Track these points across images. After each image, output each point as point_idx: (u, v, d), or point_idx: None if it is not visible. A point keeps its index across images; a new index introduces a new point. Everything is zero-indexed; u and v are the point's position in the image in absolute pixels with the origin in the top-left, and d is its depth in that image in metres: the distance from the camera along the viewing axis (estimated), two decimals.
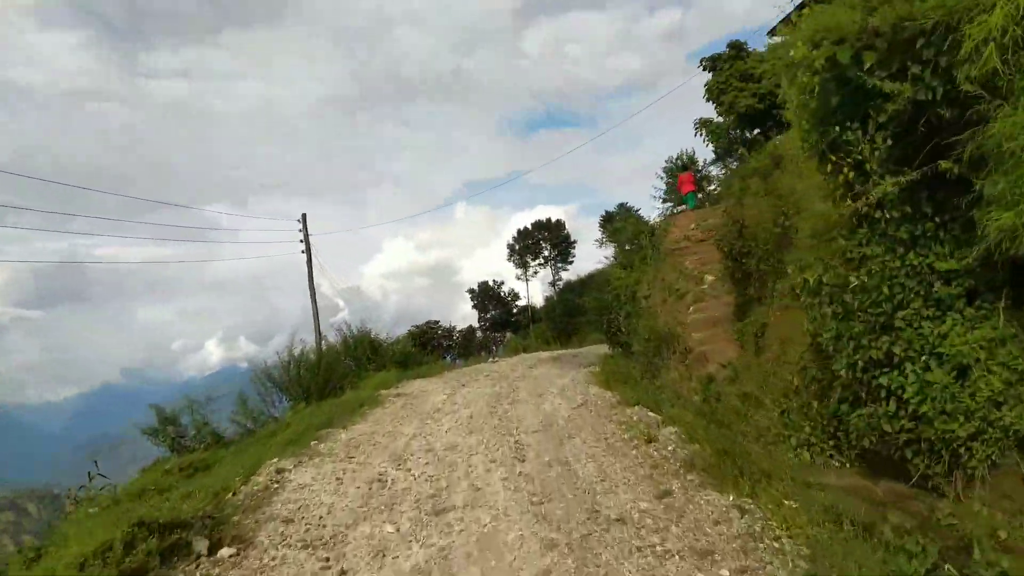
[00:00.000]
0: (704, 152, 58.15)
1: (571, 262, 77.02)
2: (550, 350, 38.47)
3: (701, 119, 40.82)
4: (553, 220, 77.13)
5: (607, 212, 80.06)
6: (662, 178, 46.72)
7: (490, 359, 34.43)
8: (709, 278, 17.09)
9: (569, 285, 79.34)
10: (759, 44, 32.34)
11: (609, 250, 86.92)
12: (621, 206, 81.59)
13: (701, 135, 37.13)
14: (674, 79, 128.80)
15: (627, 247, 26.08)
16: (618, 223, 38.48)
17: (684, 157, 42.90)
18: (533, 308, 77.00)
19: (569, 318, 71.59)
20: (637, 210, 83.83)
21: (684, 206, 28.84)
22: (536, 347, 35.73)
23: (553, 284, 76.80)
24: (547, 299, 77.76)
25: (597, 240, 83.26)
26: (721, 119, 33.25)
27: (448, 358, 43.19)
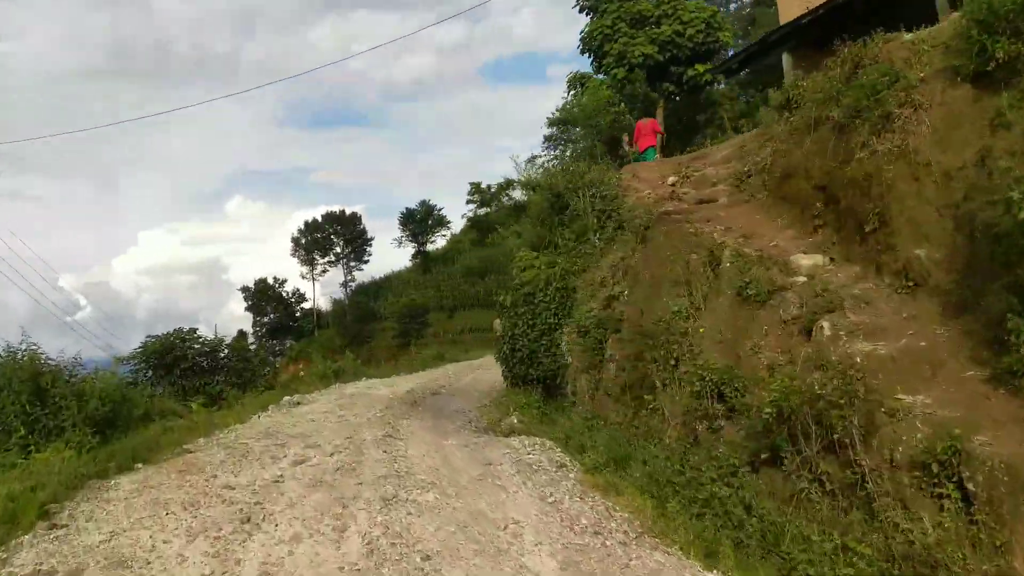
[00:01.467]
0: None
1: (367, 261, 70.92)
2: (384, 375, 27.21)
3: (574, 74, 37.53)
4: (348, 212, 70.25)
5: (408, 209, 75.69)
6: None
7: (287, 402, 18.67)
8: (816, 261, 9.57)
9: (363, 287, 73.43)
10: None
11: (409, 250, 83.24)
12: (423, 203, 77.76)
13: (572, 93, 34.22)
14: (466, 88, 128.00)
15: (549, 215, 16.95)
16: (524, 177, 27.32)
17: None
18: (319, 311, 69.94)
19: (362, 324, 65.89)
20: (439, 209, 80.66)
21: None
22: (355, 369, 28.62)
23: (345, 285, 70.40)
24: (336, 302, 71.16)
25: (396, 240, 78.35)
26: (602, 75, 30.26)
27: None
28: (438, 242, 79.75)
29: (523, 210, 78.72)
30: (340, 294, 71.73)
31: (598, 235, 14.84)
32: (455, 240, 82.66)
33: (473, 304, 68.80)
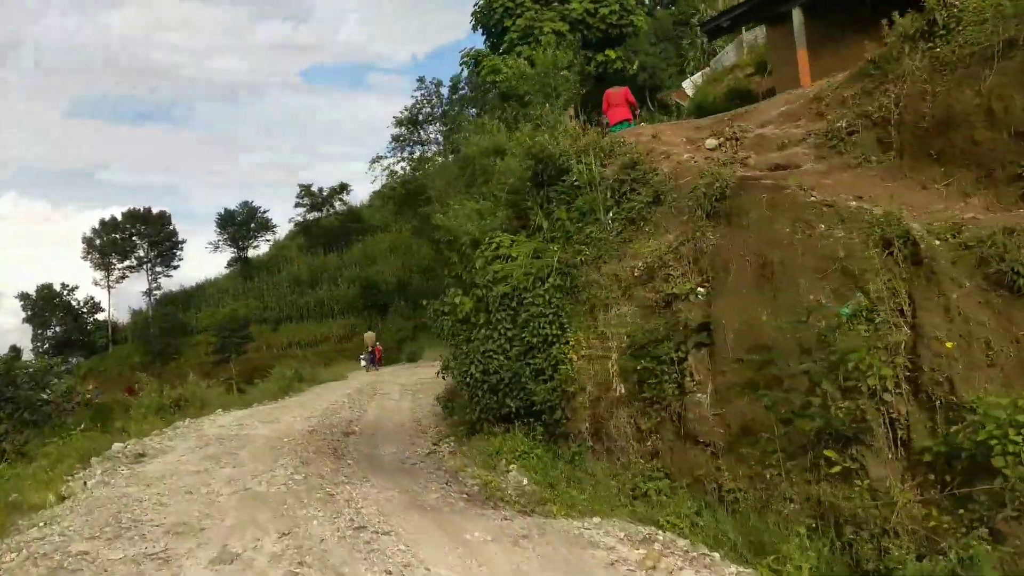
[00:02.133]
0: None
1: (176, 267, 61.78)
2: (243, 405, 19.19)
3: (468, 51, 33.72)
4: (155, 211, 60.76)
5: (227, 210, 67.41)
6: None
7: (122, 455, 12.66)
8: None
9: (171, 297, 63.94)
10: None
11: (226, 256, 73.95)
12: (245, 204, 69.63)
13: (467, 70, 30.83)
14: (287, 91, 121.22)
15: (529, 189, 12.63)
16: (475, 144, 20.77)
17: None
18: (115, 324, 59.64)
19: (169, 338, 56.87)
20: (263, 212, 72.47)
21: None
22: (201, 397, 18.30)
23: (149, 294, 60.77)
24: (136, 313, 61.25)
25: (211, 243, 69.28)
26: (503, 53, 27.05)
27: None
28: (261, 248, 72.06)
29: (358, 218, 73.83)
30: (143, 304, 61.79)
31: (612, 213, 10.96)
32: (280, 246, 75.22)
33: (302, 316, 62.46)
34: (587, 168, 11.51)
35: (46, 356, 54.73)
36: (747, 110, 11.95)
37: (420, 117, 43.27)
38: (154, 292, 61.45)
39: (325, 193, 71.20)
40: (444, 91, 43.56)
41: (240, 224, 65.27)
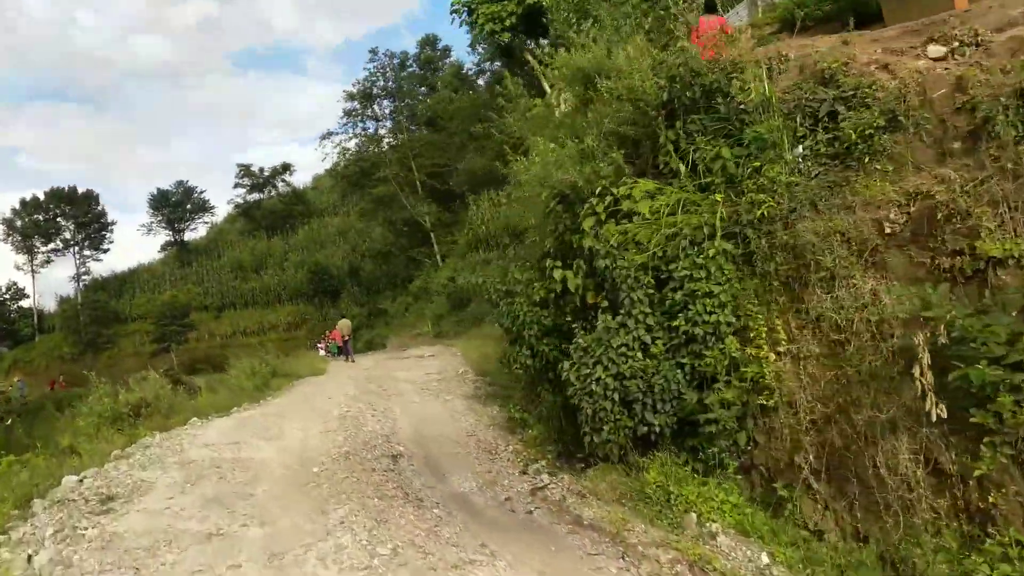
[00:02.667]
0: None
1: (106, 250, 57.74)
2: (220, 408, 14.78)
3: None
4: (80, 190, 56.46)
5: (161, 190, 63.36)
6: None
7: (74, 500, 8.44)
8: None
9: (102, 283, 59.77)
10: None
11: (161, 239, 69.40)
12: (180, 184, 65.69)
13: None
14: (213, 76, 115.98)
15: (652, 120, 9.36)
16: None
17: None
18: (41, 311, 55.41)
19: (100, 327, 53.07)
20: (200, 192, 68.28)
21: None
22: (167, 402, 15.79)
23: (77, 279, 56.56)
24: (64, 300, 57.07)
25: (144, 226, 65.04)
26: None
27: None
28: (199, 231, 68.27)
29: (303, 200, 70.59)
30: (71, 290, 57.57)
31: (803, 148, 7.84)
32: (219, 230, 71.46)
33: (246, 303, 59.41)
34: (758, 84, 8.18)
35: None
36: (928, 22, 8.67)
37: (374, 91, 41.12)
38: (83, 277, 57.31)
39: (267, 173, 67.87)
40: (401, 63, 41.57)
41: (175, 205, 61.59)
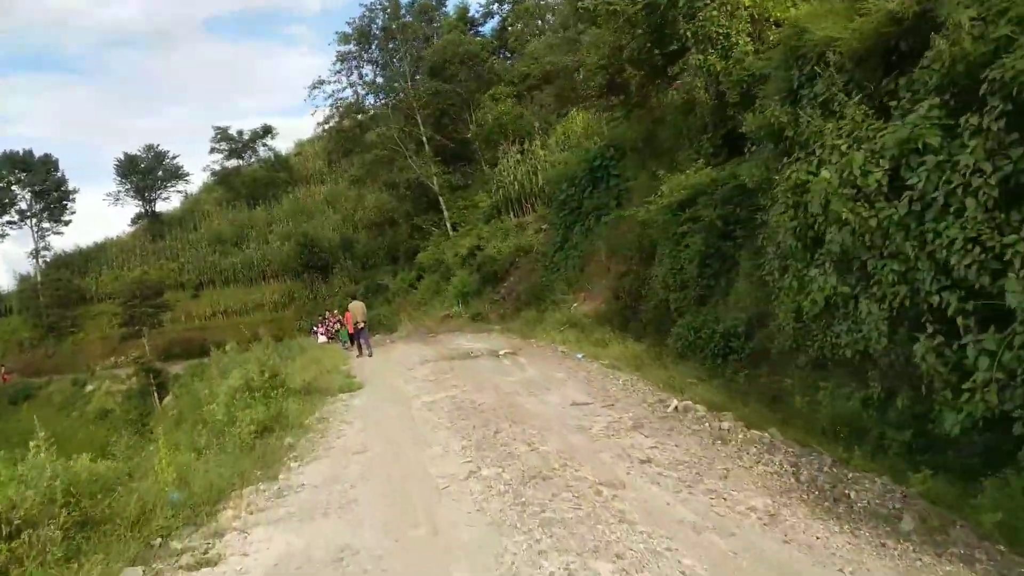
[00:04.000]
0: None
1: (68, 222, 51.52)
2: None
3: None
4: (38, 154, 50.00)
5: (128, 155, 56.82)
6: None
7: None
8: None
9: (64, 259, 53.57)
10: None
11: (131, 211, 61.88)
12: (150, 148, 59.15)
13: None
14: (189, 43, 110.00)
15: None
16: None
17: None
18: None
19: (64, 308, 47.16)
20: (173, 158, 61.19)
21: None
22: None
23: (36, 255, 50.40)
24: (24, 279, 51.00)
25: (110, 195, 58.35)
26: None
27: None
28: (172, 201, 62.12)
29: (287, 167, 64.42)
30: (30, 267, 51.36)
31: None
32: (195, 200, 65.25)
33: (227, 280, 53.63)
34: None
35: None
36: None
37: (372, 29, 35.21)
38: (42, 253, 51.09)
39: (246, 137, 61.73)
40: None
41: (145, 172, 55.32)
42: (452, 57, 36.42)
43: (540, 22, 39.22)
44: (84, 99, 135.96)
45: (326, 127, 36.79)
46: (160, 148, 57.33)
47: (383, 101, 36.88)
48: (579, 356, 11.60)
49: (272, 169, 62.36)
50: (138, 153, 56.21)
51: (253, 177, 61.67)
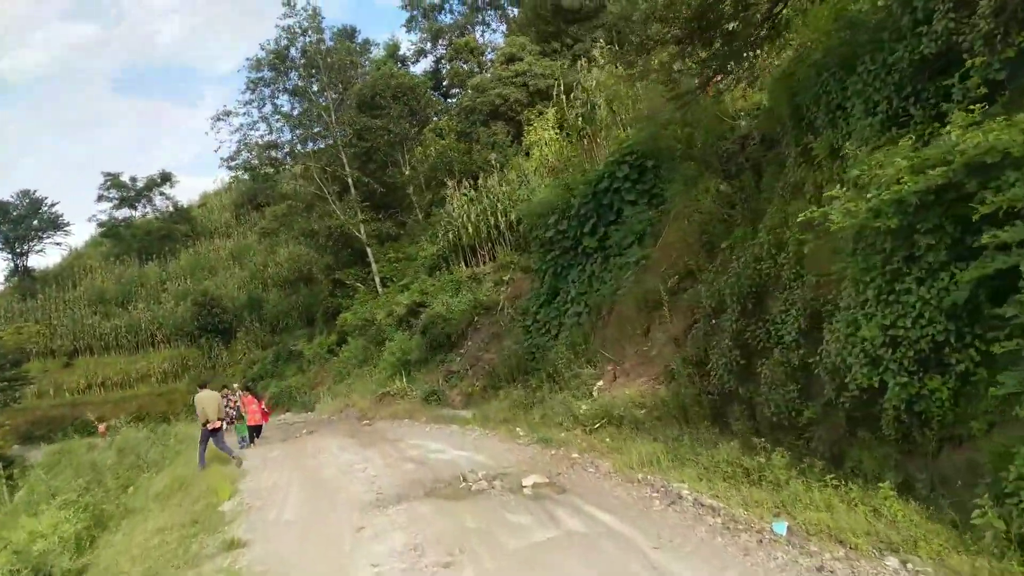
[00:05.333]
0: None
1: None
2: None
3: None
4: None
5: None
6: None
7: None
8: None
9: None
10: None
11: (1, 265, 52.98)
12: (25, 193, 50.63)
13: None
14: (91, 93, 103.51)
15: None
16: None
17: None
18: None
19: None
20: (52, 205, 52.88)
21: None
22: None
23: None
24: None
25: None
26: None
27: None
28: (50, 256, 54.09)
29: (188, 219, 57.42)
30: None
31: None
32: (77, 255, 57.02)
33: (107, 346, 45.82)
34: None
35: None
36: None
37: (291, 52, 30.21)
38: None
39: (140, 184, 54.67)
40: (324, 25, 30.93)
41: (17, 221, 47.45)
42: (384, 90, 31.88)
43: (482, 57, 35.47)
44: None
45: (231, 164, 31.11)
46: (37, 194, 49.57)
47: (300, 136, 31.64)
48: (780, 528, 5.37)
49: (170, 220, 55.35)
50: (10, 199, 48.33)
51: (147, 229, 54.50)
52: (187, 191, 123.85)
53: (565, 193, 13.44)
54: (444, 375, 16.07)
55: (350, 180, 30.97)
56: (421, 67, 41.22)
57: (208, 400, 12.81)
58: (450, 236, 21.58)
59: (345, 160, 31.01)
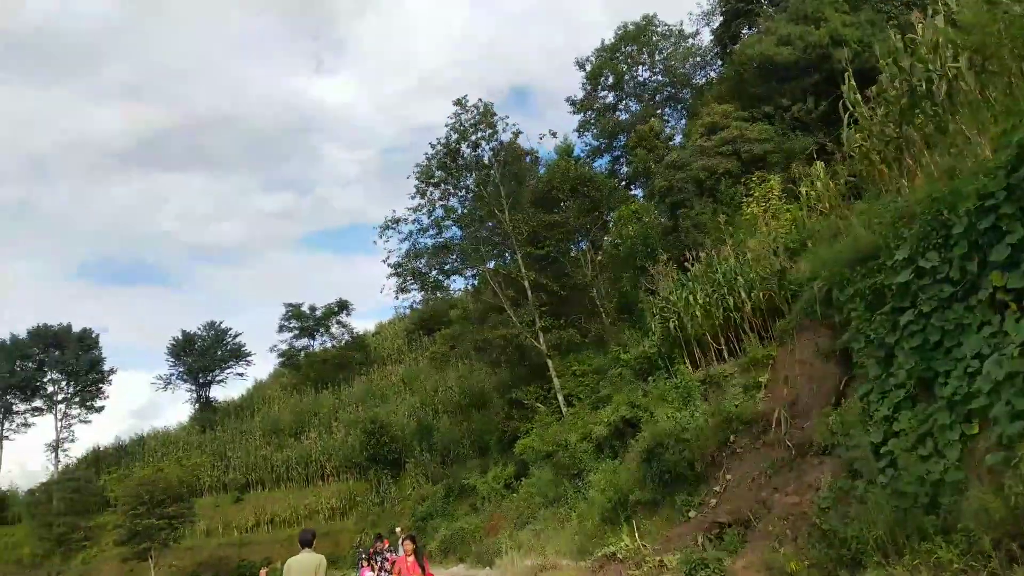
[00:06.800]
0: None
1: (100, 408, 43.61)
2: None
3: None
4: (65, 325, 43.50)
5: (184, 333, 49.73)
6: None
7: None
8: None
9: (96, 455, 45.14)
10: None
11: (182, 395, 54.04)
12: (211, 325, 52.53)
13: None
14: (282, 254, 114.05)
15: None
16: None
17: None
18: (5, 493, 40.99)
19: (77, 517, 37.92)
20: (235, 336, 54.04)
21: None
22: None
23: (56, 449, 42.15)
24: (48, 483, 42.24)
25: (160, 378, 50.26)
26: None
27: None
28: (231, 386, 54.72)
29: (363, 347, 56.40)
30: (51, 464, 42.99)
31: None
32: (259, 387, 57.46)
33: (278, 479, 43.72)
34: None
35: None
36: None
37: (462, 149, 27.54)
38: (64, 444, 42.76)
39: (319, 313, 54.72)
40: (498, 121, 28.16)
41: (201, 352, 48.05)
42: (561, 183, 28.27)
43: (671, 143, 31.26)
44: (176, 309, 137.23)
45: (399, 271, 28.27)
46: (222, 325, 50.57)
47: (470, 235, 28.40)
48: None
49: (345, 348, 54.55)
50: (197, 331, 49.50)
51: (323, 358, 53.88)
52: (363, 321, 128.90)
53: (928, 212, 7.74)
54: (705, 529, 10.21)
55: (526, 283, 26.91)
56: (597, 167, 37.79)
57: (300, 571, 7.41)
58: (671, 326, 16.15)
59: (521, 262, 27.19)
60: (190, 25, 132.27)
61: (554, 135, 29.08)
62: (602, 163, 38.25)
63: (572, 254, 29.03)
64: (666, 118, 36.38)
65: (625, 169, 37.72)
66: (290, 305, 54.46)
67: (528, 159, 28.54)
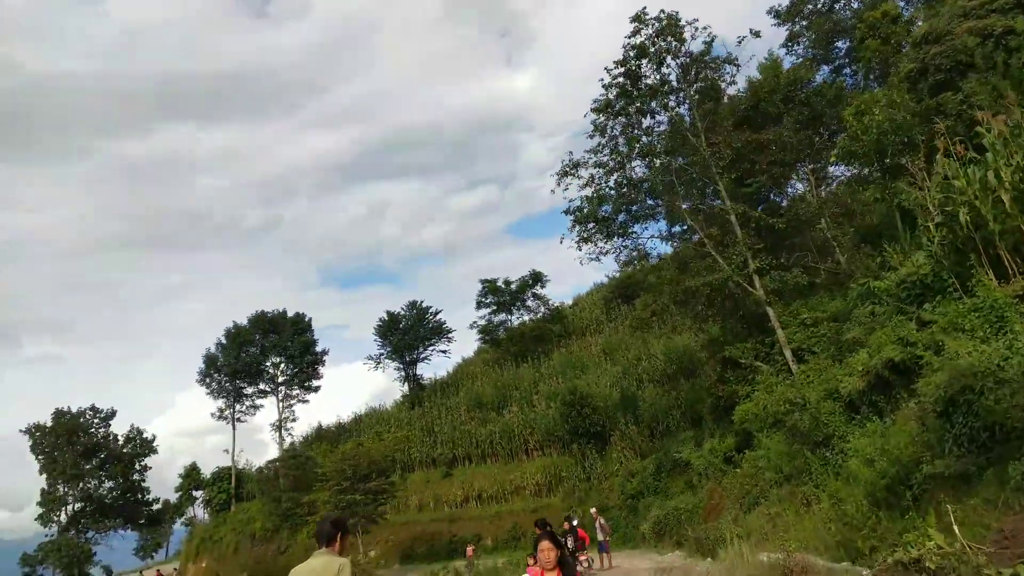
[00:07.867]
0: None
1: (316, 388, 45.31)
2: None
3: None
4: (280, 311, 45.65)
5: (390, 314, 51.10)
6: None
7: None
8: None
9: (323, 433, 47.21)
10: None
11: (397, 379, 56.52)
12: (413, 304, 53.19)
13: None
14: (488, 244, 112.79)
15: None
16: None
17: None
18: (240, 473, 43.77)
19: (301, 493, 39.57)
20: (435, 313, 54.70)
21: None
22: None
23: (280, 427, 44.42)
24: (274, 461, 44.64)
25: (371, 357, 51.99)
26: None
27: None
28: (435, 363, 55.31)
29: (561, 319, 54.20)
30: (282, 441, 45.58)
31: None
32: (465, 365, 57.58)
33: (484, 454, 42.73)
34: None
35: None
36: None
37: (642, 66, 23.45)
38: (287, 424, 45.07)
39: (514, 287, 53.29)
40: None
41: (405, 331, 48.52)
42: (771, 93, 23.25)
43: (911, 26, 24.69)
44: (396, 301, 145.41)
45: (576, 215, 24.99)
46: (423, 304, 50.86)
47: (660, 167, 24.20)
48: None
49: (542, 321, 52.70)
50: (400, 310, 50.22)
51: (521, 332, 52.47)
52: (563, 299, 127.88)
53: None
54: None
55: (732, 217, 22.32)
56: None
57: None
58: (960, 224, 11.05)
59: (724, 192, 22.63)
60: (397, 48, 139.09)
61: (757, 35, 23.80)
62: (820, 77, 32.09)
63: (790, 181, 23.94)
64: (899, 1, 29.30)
65: (850, 81, 31.23)
66: (485, 281, 53.77)
67: (727, 70, 23.66)
